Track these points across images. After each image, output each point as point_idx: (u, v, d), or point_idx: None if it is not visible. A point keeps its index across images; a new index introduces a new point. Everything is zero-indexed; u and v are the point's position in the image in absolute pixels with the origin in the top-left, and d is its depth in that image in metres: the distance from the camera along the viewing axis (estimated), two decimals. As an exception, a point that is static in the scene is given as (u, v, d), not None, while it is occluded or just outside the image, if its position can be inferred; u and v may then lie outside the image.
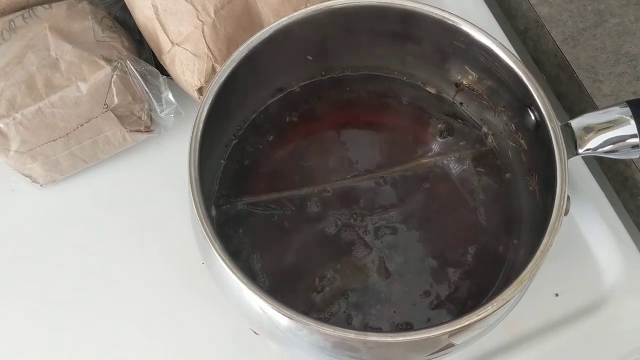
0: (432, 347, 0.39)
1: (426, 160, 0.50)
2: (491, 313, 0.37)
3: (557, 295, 0.52)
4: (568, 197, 0.40)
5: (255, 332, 0.49)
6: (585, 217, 0.54)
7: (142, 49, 0.56)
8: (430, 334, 0.36)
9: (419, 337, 0.36)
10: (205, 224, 0.39)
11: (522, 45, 0.64)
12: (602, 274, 0.52)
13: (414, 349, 0.39)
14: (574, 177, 0.54)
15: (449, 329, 0.36)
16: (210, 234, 0.38)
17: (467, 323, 0.36)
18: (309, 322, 0.36)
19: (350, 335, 0.36)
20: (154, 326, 0.51)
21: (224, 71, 0.43)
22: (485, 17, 0.61)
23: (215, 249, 0.38)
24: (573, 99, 0.58)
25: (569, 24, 0.59)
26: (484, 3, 0.62)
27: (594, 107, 0.55)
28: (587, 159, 0.56)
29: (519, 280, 0.37)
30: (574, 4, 0.59)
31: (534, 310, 0.51)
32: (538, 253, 0.38)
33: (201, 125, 0.41)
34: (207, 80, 0.51)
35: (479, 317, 0.36)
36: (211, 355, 0.50)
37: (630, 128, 0.43)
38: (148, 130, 0.54)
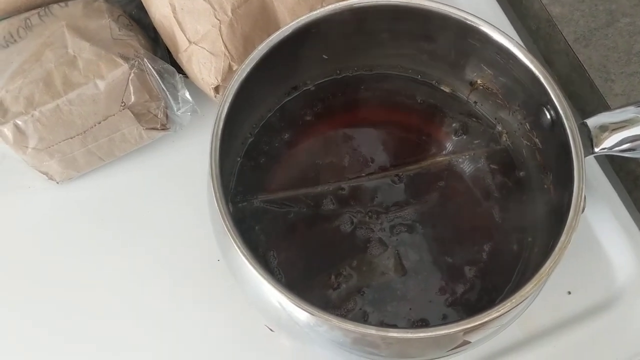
0: (450, 344, 0.39)
1: (441, 159, 0.51)
2: (509, 310, 0.37)
3: (569, 293, 0.52)
4: (584, 195, 0.41)
5: (270, 329, 0.49)
6: (597, 215, 0.54)
7: (157, 47, 0.56)
8: (450, 330, 0.36)
9: (438, 334, 0.36)
10: (226, 219, 0.39)
11: (534, 45, 0.64)
12: (614, 272, 0.53)
13: (432, 345, 0.39)
14: (586, 175, 0.55)
15: (468, 325, 0.37)
16: (231, 230, 0.39)
17: (486, 319, 0.37)
18: (330, 318, 0.36)
19: (371, 331, 0.36)
20: (165, 322, 0.51)
21: (243, 70, 0.43)
22: (497, 16, 0.62)
23: (237, 245, 0.38)
24: (585, 99, 0.59)
25: (580, 24, 0.59)
26: (495, 2, 0.63)
27: (605, 107, 0.56)
28: (599, 158, 0.56)
29: (537, 276, 0.38)
30: (586, 4, 0.59)
31: (546, 308, 0.51)
32: (556, 250, 0.38)
33: (221, 124, 0.41)
34: (224, 79, 0.51)
35: (498, 314, 0.37)
36: (224, 351, 0.50)
37: (646, 127, 0.43)
38: (164, 128, 0.54)
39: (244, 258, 0.38)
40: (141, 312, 0.51)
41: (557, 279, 0.50)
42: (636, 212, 0.56)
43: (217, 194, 0.40)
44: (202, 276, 0.52)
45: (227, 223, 0.39)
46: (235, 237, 0.38)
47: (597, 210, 0.54)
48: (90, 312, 0.51)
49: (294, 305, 0.37)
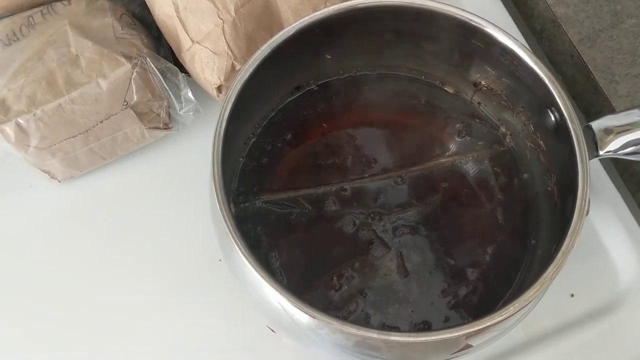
0: (452, 348, 0.39)
1: (444, 160, 0.50)
2: (512, 314, 0.37)
3: (572, 295, 0.52)
4: (588, 199, 0.40)
5: (272, 330, 0.49)
6: (601, 217, 0.54)
7: (160, 46, 0.56)
8: (452, 334, 0.36)
9: (440, 338, 0.36)
10: (228, 220, 0.39)
11: (538, 45, 0.64)
12: (617, 275, 0.52)
13: (434, 349, 0.39)
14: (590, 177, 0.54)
15: (471, 330, 0.36)
16: (233, 232, 0.38)
17: (489, 324, 0.36)
18: (331, 321, 0.36)
19: (373, 334, 0.36)
20: (167, 321, 0.51)
21: (246, 70, 0.43)
22: (501, 16, 0.61)
23: (238, 246, 0.38)
24: (589, 100, 0.58)
25: (585, 25, 0.59)
26: (500, 2, 0.62)
27: (610, 108, 0.56)
28: (602, 160, 0.56)
29: (540, 281, 0.37)
30: (591, 5, 0.59)
31: (549, 310, 0.51)
32: (560, 254, 0.38)
33: (224, 124, 0.41)
34: (227, 79, 0.51)
35: (501, 318, 0.36)
36: (225, 351, 0.50)
37: (651, 130, 0.43)
38: (167, 127, 0.54)
39: (245, 260, 0.38)
40: (142, 311, 0.51)
41: (560, 281, 0.49)
42: (640, 214, 0.56)
43: (219, 196, 0.39)
44: (203, 276, 0.52)
45: (229, 225, 0.38)
46: (237, 239, 0.38)
47: (600, 212, 0.54)
48: (92, 310, 0.51)
49: (295, 308, 0.37)
